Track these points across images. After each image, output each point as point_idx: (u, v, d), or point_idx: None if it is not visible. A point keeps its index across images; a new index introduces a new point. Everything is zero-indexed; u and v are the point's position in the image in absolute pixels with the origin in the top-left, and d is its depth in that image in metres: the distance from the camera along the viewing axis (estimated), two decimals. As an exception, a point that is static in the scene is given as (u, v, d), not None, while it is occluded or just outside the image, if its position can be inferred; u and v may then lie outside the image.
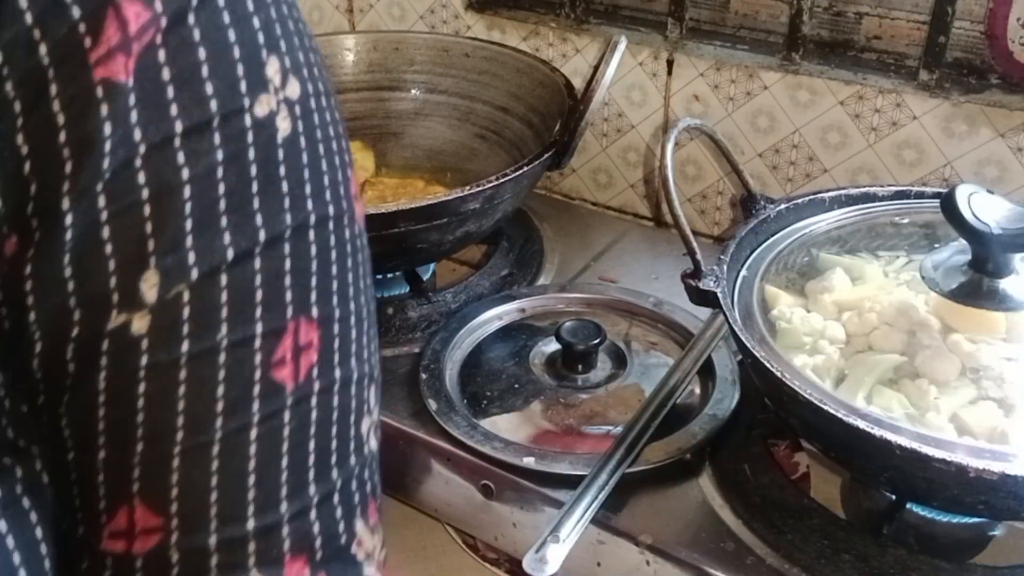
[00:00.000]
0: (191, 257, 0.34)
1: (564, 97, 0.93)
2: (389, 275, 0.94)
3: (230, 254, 0.34)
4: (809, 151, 0.97)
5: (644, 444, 0.72)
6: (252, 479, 0.35)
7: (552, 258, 0.98)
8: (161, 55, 0.33)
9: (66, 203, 0.32)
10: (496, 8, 1.10)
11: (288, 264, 0.36)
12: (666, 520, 0.69)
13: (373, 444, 0.43)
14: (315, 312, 0.37)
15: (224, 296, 0.34)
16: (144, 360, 0.34)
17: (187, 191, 0.33)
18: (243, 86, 0.34)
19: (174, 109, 0.33)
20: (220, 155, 0.34)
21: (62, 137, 0.32)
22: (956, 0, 0.84)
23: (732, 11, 0.97)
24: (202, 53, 0.33)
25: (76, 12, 0.32)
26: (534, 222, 1.03)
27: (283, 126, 0.36)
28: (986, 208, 0.62)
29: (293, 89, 0.36)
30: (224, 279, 0.34)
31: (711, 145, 0.99)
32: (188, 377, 0.34)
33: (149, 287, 0.33)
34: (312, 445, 0.37)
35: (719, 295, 0.67)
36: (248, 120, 0.34)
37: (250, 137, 0.35)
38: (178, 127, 0.33)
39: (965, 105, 0.87)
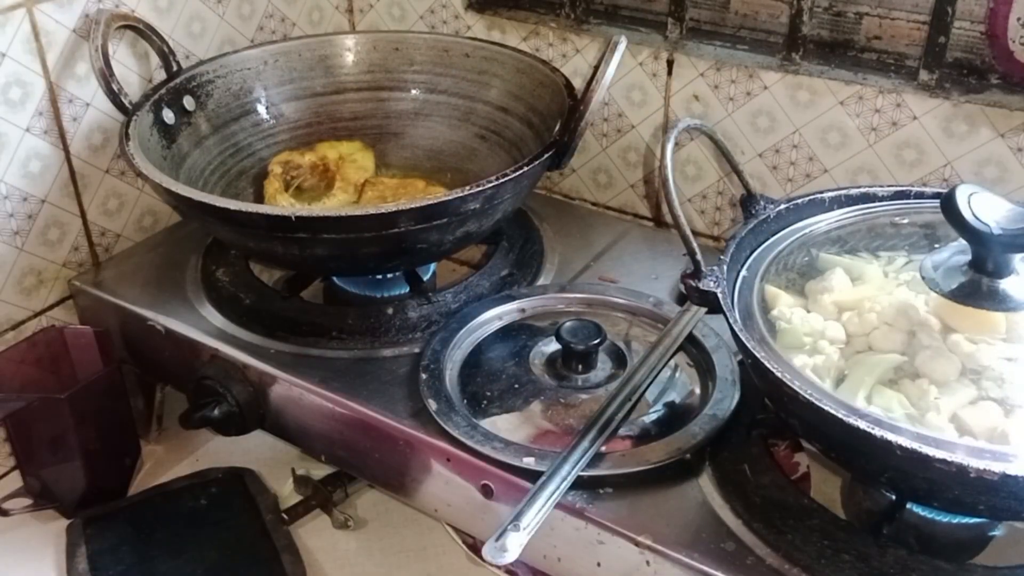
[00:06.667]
0: None
1: (564, 97, 0.93)
2: (389, 275, 0.94)
3: None
4: (809, 151, 0.97)
5: (607, 438, 0.72)
6: None
7: (552, 258, 0.98)
8: None
9: None
10: (496, 8, 1.10)
11: None
12: (666, 520, 0.69)
13: None
14: None
15: None
16: None
17: None
18: None
19: None
20: None
21: None
22: (956, 0, 0.84)
23: (732, 11, 0.97)
24: None
25: None
26: (534, 222, 1.03)
27: None
28: (986, 208, 0.62)
29: None
30: None
31: (711, 145, 0.99)
32: None
33: None
34: None
35: (719, 295, 0.67)
36: None
37: None
38: None
39: (965, 105, 0.87)
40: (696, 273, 0.69)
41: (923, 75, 0.87)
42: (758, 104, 0.97)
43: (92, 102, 0.97)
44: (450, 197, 0.79)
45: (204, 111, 0.99)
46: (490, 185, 0.80)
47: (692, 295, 0.69)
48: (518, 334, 0.87)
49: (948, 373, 0.63)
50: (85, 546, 0.87)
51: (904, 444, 0.56)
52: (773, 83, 0.95)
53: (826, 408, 0.59)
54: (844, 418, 0.58)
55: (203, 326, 0.90)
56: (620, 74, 1.03)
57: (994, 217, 0.62)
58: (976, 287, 0.64)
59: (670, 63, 1.01)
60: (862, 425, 0.57)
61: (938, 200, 0.64)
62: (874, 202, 0.77)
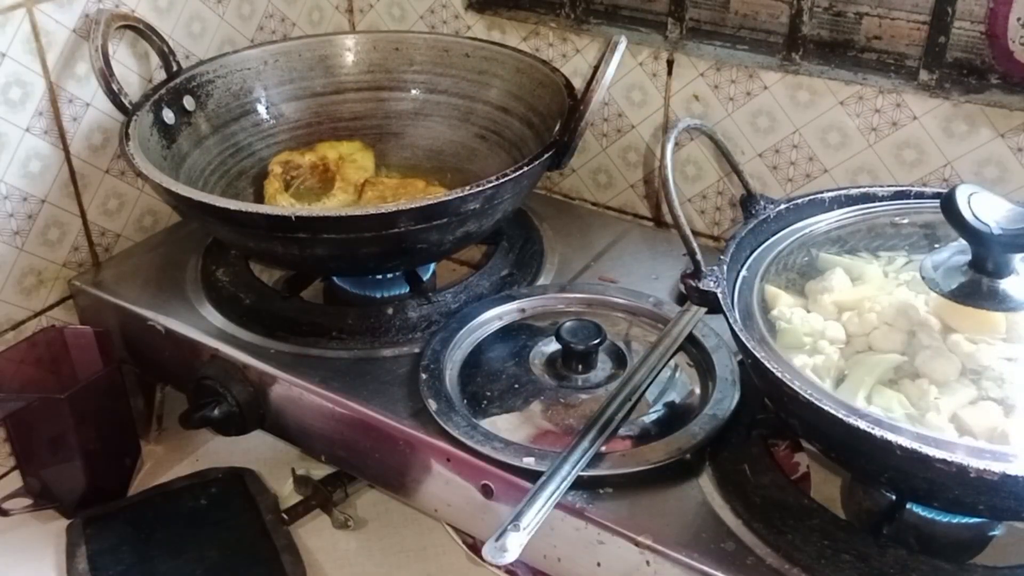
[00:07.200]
0: None
1: (564, 97, 0.93)
2: (389, 275, 0.94)
3: None
4: (809, 151, 0.97)
5: (607, 438, 0.73)
6: None
7: (552, 258, 0.98)
8: None
9: None
10: (496, 8, 1.10)
11: None
12: (666, 520, 0.69)
13: None
14: None
15: None
16: None
17: None
18: None
19: None
20: None
21: None
22: (956, 0, 0.84)
23: (732, 11, 0.97)
24: None
25: None
26: (534, 222, 1.03)
27: None
28: (986, 208, 0.62)
29: None
30: None
31: (711, 145, 0.99)
32: None
33: None
34: None
35: (719, 295, 0.67)
36: None
37: None
38: None
39: (965, 105, 0.87)
40: (696, 273, 0.69)
41: (923, 75, 0.87)
42: (758, 104, 0.97)
43: (92, 102, 0.97)
44: (450, 197, 0.79)
45: (204, 111, 0.99)
46: (490, 185, 0.80)
47: (692, 295, 0.69)
48: (518, 334, 0.87)
49: (948, 373, 0.63)
50: (85, 546, 0.87)
51: (904, 444, 0.56)
52: (773, 83, 0.95)
53: (826, 408, 0.59)
54: (844, 418, 0.58)
55: (203, 326, 0.90)
56: (620, 74, 1.03)
57: (994, 217, 0.62)
58: (976, 287, 0.64)
59: (670, 63, 1.01)
60: (862, 425, 0.57)
61: (938, 200, 0.64)
62: (874, 202, 0.77)
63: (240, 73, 1.03)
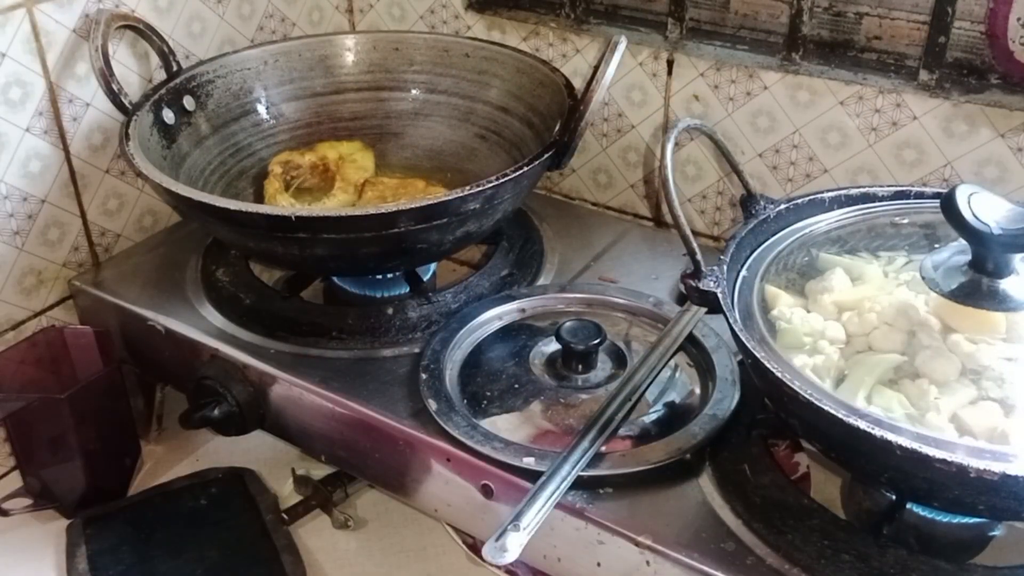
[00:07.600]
0: None
1: (564, 97, 0.93)
2: (389, 275, 0.94)
3: None
4: (809, 151, 0.97)
5: (607, 438, 0.73)
6: None
7: (552, 258, 0.98)
8: None
9: None
10: (496, 8, 1.10)
11: None
12: (666, 520, 0.69)
13: None
14: None
15: None
16: None
17: None
18: None
19: None
20: None
21: None
22: (956, 0, 0.84)
23: (732, 11, 0.97)
24: None
25: None
26: (534, 222, 1.03)
27: None
28: (986, 208, 0.62)
29: None
30: None
31: (711, 145, 0.99)
32: None
33: None
34: None
35: (719, 295, 0.67)
36: None
37: None
38: None
39: (965, 105, 0.87)
40: (696, 273, 0.69)
41: (923, 75, 0.87)
42: (758, 104, 0.97)
43: (92, 102, 0.97)
44: (450, 197, 0.79)
45: (204, 111, 0.99)
46: (490, 185, 0.80)
47: (692, 295, 0.69)
48: (518, 334, 0.87)
49: (948, 373, 0.63)
50: (85, 546, 0.87)
51: (904, 444, 0.56)
52: (773, 83, 0.95)
53: (826, 408, 0.59)
54: (844, 418, 0.58)
55: (203, 326, 0.90)
56: (620, 74, 1.03)
57: (994, 217, 0.62)
58: (976, 287, 0.64)
59: (670, 63, 1.01)
60: (862, 425, 0.57)
61: (938, 200, 0.64)
62: (874, 202, 0.77)
63: (240, 73, 1.03)
